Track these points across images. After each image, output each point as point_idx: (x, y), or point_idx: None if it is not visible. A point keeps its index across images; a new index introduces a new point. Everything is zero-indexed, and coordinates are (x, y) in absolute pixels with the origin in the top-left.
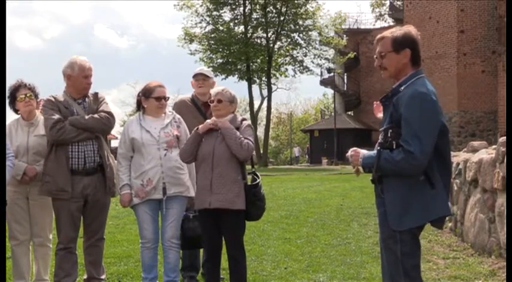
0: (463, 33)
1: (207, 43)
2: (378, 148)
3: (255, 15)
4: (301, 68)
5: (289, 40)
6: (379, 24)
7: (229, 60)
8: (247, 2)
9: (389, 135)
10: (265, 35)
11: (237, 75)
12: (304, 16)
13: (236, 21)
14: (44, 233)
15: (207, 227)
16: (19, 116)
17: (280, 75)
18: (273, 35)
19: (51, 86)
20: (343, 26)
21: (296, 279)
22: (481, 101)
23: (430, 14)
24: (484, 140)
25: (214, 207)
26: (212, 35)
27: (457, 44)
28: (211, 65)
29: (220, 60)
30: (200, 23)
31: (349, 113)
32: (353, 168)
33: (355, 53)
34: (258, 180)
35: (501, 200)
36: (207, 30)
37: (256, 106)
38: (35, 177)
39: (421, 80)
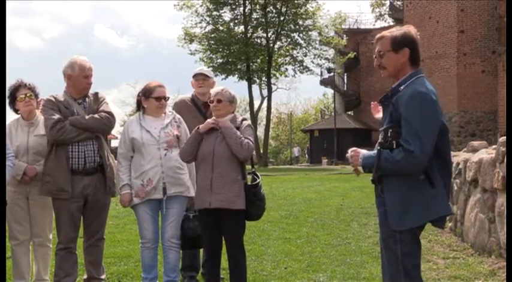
0: (463, 33)
1: (207, 43)
2: (378, 148)
3: (255, 15)
4: (301, 68)
5: (289, 40)
6: (379, 24)
7: (229, 60)
8: (247, 2)
9: (389, 135)
10: (265, 35)
11: (237, 75)
12: (304, 16)
13: (236, 21)
14: (44, 233)
15: (207, 226)
16: (19, 116)
17: (280, 75)
18: (273, 35)
19: (51, 86)
20: (343, 26)
21: (296, 279)
22: (481, 101)
23: (430, 14)
24: (484, 140)
25: (214, 207)
26: (212, 35)
27: (457, 44)
28: (211, 65)
29: (220, 60)
30: (200, 23)
31: (349, 113)
32: (352, 168)
33: (355, 53)
34: (258, 180)
35: (501, 200)
36: (207, 30)
37: (256, 106)
38: (35, 177)
39: (421, 79)
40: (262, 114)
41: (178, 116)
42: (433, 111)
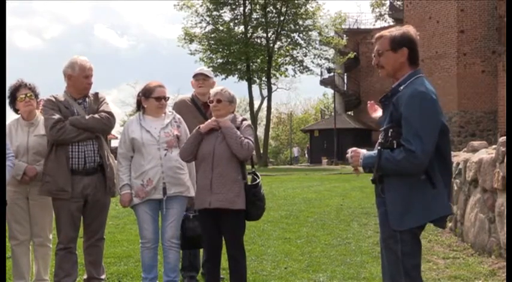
0: (463, 33)
1: (207, 43)
2: (379, 148)
3: (255, 15)
4: (301, 68)
5: (289, 40)
6: (379, 24)
7: (229, 60)
8: (247, 2)
9: (389, 134)
10: (265, 35)
11: (237, 75)
12: (304, 16)
13: (236, 21)
14: (44, 233)
15: (207, 226)
16: (19, 116)
17: (280, 75)
18: (273, 35)
19: (52, 86)
20: (343, 26)
21: (296, 279)
22: (481, 101)
23: (430, 14)
24: (484, 140)
25: (214, 207)
26: (212, 35)
27: (457, 44)
28: (211, 65)
29: (220, 60)
30: (200, 23)
31: (349, 113)
32: (353, 168)
33: (355, 53)
34: (258, 180)
35: (501, 200)
36: (207, 30)
37: (256, 106)
38: (35, 177)
39: (420, 79)
40: (262, 114)
41: (178, 116)
42: (433, 111)
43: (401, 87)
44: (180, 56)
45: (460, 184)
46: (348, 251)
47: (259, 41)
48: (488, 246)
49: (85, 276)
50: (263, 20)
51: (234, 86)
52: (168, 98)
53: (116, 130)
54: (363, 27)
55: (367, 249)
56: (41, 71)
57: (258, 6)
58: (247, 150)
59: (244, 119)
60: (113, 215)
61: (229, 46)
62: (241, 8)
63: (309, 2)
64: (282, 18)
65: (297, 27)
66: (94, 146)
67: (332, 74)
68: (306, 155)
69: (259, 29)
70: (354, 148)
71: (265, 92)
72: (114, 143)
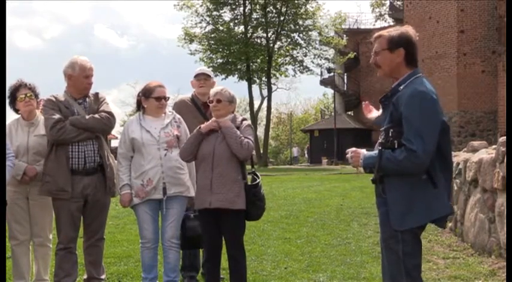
0: (463, 33)
1: (207, 43)
2: (379, 148)
3: (255, 15)
4: (301, 68)
5: (289, 40)
6: (379, 24)
7: (229, 60)
8: (247, 2)
9: (390, 134)
10: (265, 35)
11: (237, 75)
12: (304, 16)
13: (236, 21)
14: (44, 233)
15: (207, 226)
16: (19, 116)
17: (280, 75)
18: (273, 35)
19: (52, 86)
20: (343, 26)
21: (296, 279)
22: (481, 101)
23: (430, 14)
24: (484, 140)
25: (214, 207)
26: (212, 35)
27: (457, 44)
28: (211, 65)
29: (220, 60)
30: (200, 23)
31: (349, 113)
32: (355, 168)
33: (355, 53)
34: (258, 180)
35: (501, 200)
36: (207, 30)
37: (256, 106)
38: (35, 177)
39: (420, 79)
40: (262, 114)
41: (178, 116)
42: (433, 110)
43: (401, 87)
44: (180, 56)
45: (460, 184)
46: (348, 251)
47: (259, 41)
48: (488, 246)
49: (85, 276)
50: (263, 20)
51: (234, 86)
52: (168, 98)
53: (116, 130)
54: (363, 27)
55: (367, 249)
56: (41, 71)
57: (258, 6)
58: (247, 149)
59: (244, 119)
60: (113, 215)
61: (229, 46)
62: (241, 8)
63: (309, 2)
64: (282, 18)
65: (297, 27)
66: (94, 146)
67: (332, 74)
68: (306, 155)
69: (259, 29)
70: (354, 148)
71: (265, 92)
72: (114, 143)
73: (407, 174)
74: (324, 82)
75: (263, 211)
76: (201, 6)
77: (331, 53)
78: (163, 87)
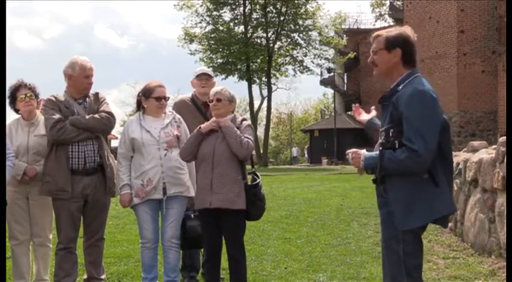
0: (463, 33)
1: (207, 43)
2: (380, 148)
3: (255, 15)
4: (301, 68)
5: (289, 40)
6: (379, 24)
7: (229, 60)
8: (247, 2)
9: (390, 134)
10: (265, 35)
11: (237, 75)
12: (304, 16)
13: (236, 21)
14: (44, 233)
15: (207, 226)
16: (19, 115)
17: (280, 75)
18: (273, 35)
19: (52, 86)
20: (343, 26)
21: (296, 279)
22: (481, 101)
23: (430, 14)
24: (484, 140)
25: (214, 207)
26: (212, 35)
27: (457, 44)
28: (211, 65)
29: (220, 60)
30: (200, 23)
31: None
32: (357, 169)
33: (355, 53)
34: (258, 180)
35: (501, 200)
36: (207, 30)
37: (256, 106)
38: (35, 177)
39: (419, 78)
40: (262, 114)
41: (178, 116)
42: (433, 109)
43: (400, 87)
44: (180, 56)
45: (460, 184)
46: (348, 251)
47: (259, 41)
48: (488, 246)
49: (85, 276)
50: (263, 20)
51: (234, 86)
52: (168, 98)
53: (116, 130)
54: (363, 27)
55: (367, 249)
56: (41, 71)
57: (258, 6)
58: (246, 149)
59: (244, 119)
60: (113, 215)
61: (229, 46)
62: (241, 8)
63: (309, 2)
64: (282, 18)
65: (297, 27)
66: (94, 146)
67: (332, 74)
68: (306, 155)
69: (259, 29)
70: (354, 149)
71: (265, 92)
72: (114, 143)
73: (409, 173)
74: (324, 82)
75: (263, 211)
76: (201, 6)
77: (331, 53)
78: (163, 87)
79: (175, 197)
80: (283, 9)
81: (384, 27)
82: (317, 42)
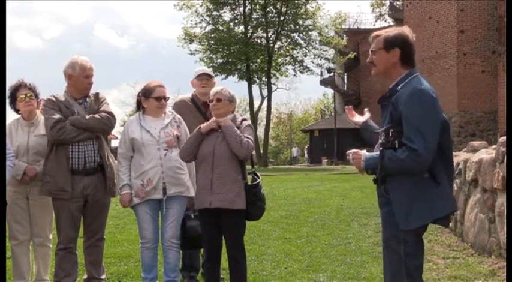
0: (463, 33)
1: (207, 43)
2: (381, 148)
3: (255, 15)
4: (301, 68)
5: (289, 40)
6: (379, 24)
7: (229, 60)
8: (247, 2)
9: (390, 134)
10: (265, 35)
11: (237, 75)
12: (304, 16)
13: (236, 21)
14: (44, 233)
15: (207, 226)
16: (19, 115)
17: (281, 75)
18: (273, 35)
19: (52, 86)
20: (343, 26)
21: (296, 279)
22: (481, 101)
23: (430, 14)
24: (484, 140)
25: (214, 207)
26: (212, 35)
27: (457, 44)
28: (211, 65)
29: (220, 60)
30: (200, 23)
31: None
32: (358, 169)
33: (355, 53)
34: (258, 180)
35: (501, 200)
36: (207, 30)
37: (256, 106)
38: (35, 177)
39: (417, 78)
40: (262, 114)
41: (178, 116)
42: (433, 109)
43: (399, 87)
44: (180, 56)
45: (460, 184)
46: (348, 251)
47: (259, 41)
48: (488, 246)
49: (85, 276)
50: (263, 20)
51: (234, 86)
52: (168, 98)
53: (116, 130)
54: (363, 27)
55: (367, 249)
56: (41, 71)
57: (258, 6)
58: (246, 149)
59: (244, 119)
60: (113, 215)
61: (229, 46)
62: (241, 8)
63: (309, 2)
64: (282, 18)
65: (297, 27)
66: (94, 146)
67: (332, 74)
68: (306, 155)
69: (259, 29)
70: (355, 150)
71: (265, 92)
72: (114, 143)
73: (410, 173)
74: (324, 82)
75: (263, 211)
76: (201, 6)
77: (331, 53)
78: (163, 87)
79: (175, 197)
80: (283, 9)
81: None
82: (317, 42)
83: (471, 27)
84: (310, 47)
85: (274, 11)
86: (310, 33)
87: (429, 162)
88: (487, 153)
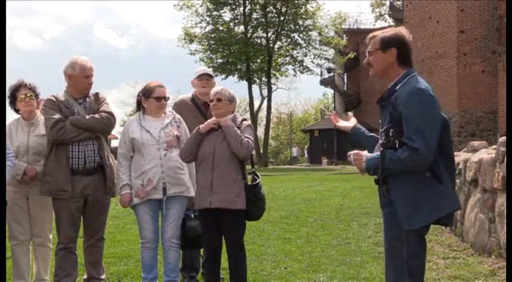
0: (463, 33)
1: (207, 43)
2: (381, 149)
3: (255, 15)
4: (301, 68)
5: (289, 40)
6: (379, 24)
7: (229, 60)
8: (247, 2)
9: (391, 134)
10: (265, 35)
11: (237, 75)
12: (304, 16)
13: (236, 21)
14: (44, 233)
15: (208, 226)
16: (19, 115)
17: (281, 75)
18: (273, 35)
19: (52, 86)
20: (343, 26)
21: (296, 279)
22: (481, 101)
23: (430, 14)
24: (484, 140)
25: (214, 207)
26: (212, 35)
27: (457, 44)
28: (211, 65)
29: (220, 60)
30: (200, 23)
31: (349, 113)
32: (359, 169)
33: (355, 53)
34: (258, 180)
35: (501, 200)
36: (207, 30)
37: (256, 106)
38: (35, 177)
39: (415, 77)
40: (262, 114)
41: (178, 116)
42: (433, 107)
43: (398, 87)
44: (180, 56)
45: (460, 184)
46: (348, 251)
47: (259, 41)
48: (488, 246)
49: (85, 276)
50: (263, 20)
51: (234, 86)
52: (168, 98)
53: (116, 130)
54: (363, 27)
55: (367, 249)
56: (41, 71)
57: (258, 6)
58: (246, 149)
59: (244, 119)
60: (113, 215)
61: (229, 46)
62: (241, 8)
63: (309, 2)
64: (282, 18)
65: (297, 27)
66: (94, 146)
67: (332, 74)
68: (306, 155)
69: (259, 29)
70: (356, 151)
71: (265, 92)
72: (114, 143)
73: (411, 172)
74: (324, 82)
75: (263, 211)
76: (201, 6)
77: (331, 53)
78: (163, 87)
79: (175, 197)
80: (283, 9)
81: (384, 27)
82: (317, 42)
83: (471, 27)
84: (310, 47)
85: (274, 11)
86: (310, 33)
87: (430, 161)
88: (487, 153)
